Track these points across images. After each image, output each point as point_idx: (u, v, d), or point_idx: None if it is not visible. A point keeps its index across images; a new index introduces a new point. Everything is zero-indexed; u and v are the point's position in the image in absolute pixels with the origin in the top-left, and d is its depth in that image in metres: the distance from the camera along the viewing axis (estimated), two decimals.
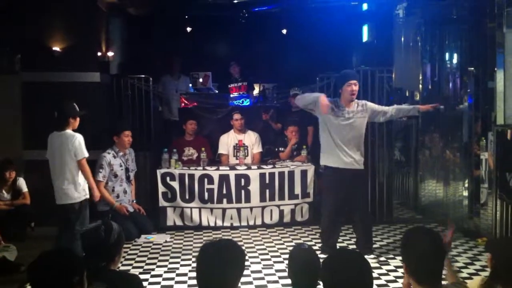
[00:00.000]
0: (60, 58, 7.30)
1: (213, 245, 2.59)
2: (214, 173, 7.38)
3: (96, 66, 7.53)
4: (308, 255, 3.24)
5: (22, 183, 7.00)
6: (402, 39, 8.06)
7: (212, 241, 2.64)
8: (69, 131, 5.63)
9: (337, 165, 5.88)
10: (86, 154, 5.68)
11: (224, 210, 7.39)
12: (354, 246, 6.40)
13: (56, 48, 7.28)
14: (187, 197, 7.34)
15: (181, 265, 5.84)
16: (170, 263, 5.95)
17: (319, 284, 3.02)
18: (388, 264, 5.74)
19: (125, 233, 6.91)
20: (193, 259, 5.94)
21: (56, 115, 5.70)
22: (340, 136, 5.85)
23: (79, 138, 5.62)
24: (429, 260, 2.61)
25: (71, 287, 2.44)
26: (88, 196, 5.77)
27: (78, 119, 5.71)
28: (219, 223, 7.38)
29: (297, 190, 7.46)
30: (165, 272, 5.64)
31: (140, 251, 6.43)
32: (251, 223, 7.42)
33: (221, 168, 7.49)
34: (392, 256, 6.00)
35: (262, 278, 5.35)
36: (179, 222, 7.34)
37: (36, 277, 2.44)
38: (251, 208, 7.41)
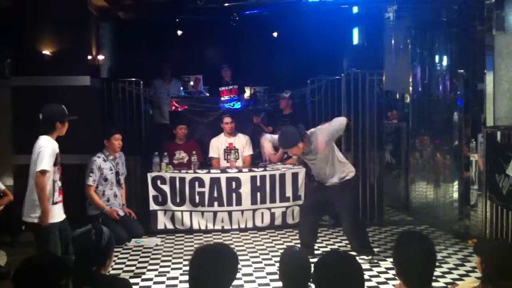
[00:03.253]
0: (49, 62, 7.26)
1: (207, 249, 2.60)
2: (205, 176, 7.37)
3: (87, 70, 7.50)
4: (299, 258, 3.24)
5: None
6: (392, 42, 8.11)
7: (206, 245, 2.65)
8: (44, 137, 4.76)
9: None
10: (46, 167, 4.63)
11: (215, 213, 7.38)
12: (346, 249, 6.42)
13: (46, 52, 7.24)
14: (178, 200, 7.32)
15: (172, 269, 5.82)
16: (161, 266, 5.93)
17: (310, 287, 3.02)
18: (379, 266, 5.75)
19: (115, 237, 6.84)
20: (184, 263, 5.93)
21: (41, 118, 4.83)
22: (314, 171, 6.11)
23: (48, 147, 4.68)
24: (421, 265, 2.63)
25: None
26: (37, 221, 4.68)
27: (66, 124, 4.88)
28: (210, 226, 7.37)
29: (288, 192, 7.46)
30: (155, 275, 5.61)
31: (131, 255, 6.40)
32: (242, 226, 7.41)
33: (212, 171, 7.48)
34: (383, 258, 6.01)
35: (253, 281, 5.35)
36: (170, 226, 7.32)
37: (21, 284, 2.41)
38: (242, 211, 7.41)
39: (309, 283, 3.10)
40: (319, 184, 6.15)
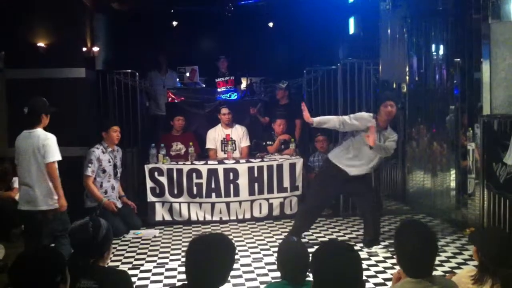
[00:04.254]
0: (44, 54, 7.23)
1: (202, 239, 2.58)
2: (203, 167, 7.36)
3: (82, 62, 7.48)
4: (297, 248, 3.25)
5: (15, 181, 6.85)
6: (389, 31, 8.07)
7: (201, 235, 2.64)
8: (39, 129, 5.11)
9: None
10: (58, 157, 5.11)
11: (213, 204, 7.38)
12: (344, 238, 6.44)
13: (41, 44, 7.21)
14: (175, 192, 7.32)
15: (171, 260, 5.82)
16: (159, 258, 5.93)
17: (308, 276, 3.03)
18: (377, 255, 5.77)
19: (113, 229, 6.86)
20: (183, 254, 5.93)
21: (27, 112, 5.13)
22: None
23: (52, 139, 5.08)
24: (421, 254, 2.64)
25: (54, 286, 2.42)
26: (57, 206, 5.16)
27: (48, 116, 5.17)
28: (208, 217, 7.37)
29: (286, 183, 7.47)
30: (154, 267, 5.62)
31: (129, 247, 6.40)
32: (240, 217, 7.42)
33: (209, 162, 7.48)
34: (381, 246, 6.02)
35: (252, 272, 5.36)
36: (167, 217, 7.32)
37: (18, 280, 2.40)
38: (240, 202, 7.41)
39: (307, 273, 3.11)
40: (331, 178, 5.96)
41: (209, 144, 7.96)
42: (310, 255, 2.59)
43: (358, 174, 5.89)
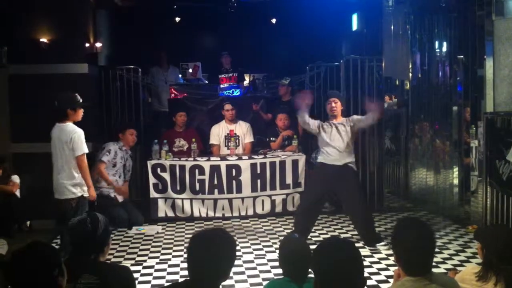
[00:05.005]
0: (47, 50, 7.21)
1: (203, 235, 2.58)
2: (205, 164, 7.36)
3: (84, 58, 7.46)
4: (298, 245, 3.24)
5: (15, 178, 6.85)
6: (392, 27, 8.04)
7: (202, 231, 2.63)
8: (70, 124, 5.39)
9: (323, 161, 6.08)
10: (85, 150, 5.42)
11: (215, 200, 7.38)
12: (347, 235, 6.44)
13: (43, 40, 7.19)
14: (178, 188, 7.32)
15: (173, 256, 5.83)
16: (162, 254, 5.94)
17: (310, 273, 3.02)
18: (380, 252, 5.76)
19: (116, 220, 6.91)
20: (185, 250, 5.92)
21: (55, 106, 5.44)
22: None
23: (79, 133, 5.36)
24: (419, 251, 2.62)
25: (53, 280, 2.42)
26: (86, 194, 5.46)
27: (79, 110, 5.43)
28: (211, 214, 7.37)
29: (289, 179, 7.46)
30: (157, 263, 5.62)
31: (132, 243, 6.41)
32: (243, 213, 7.42)
33: (212, 159, 7.47)
34: (383, 243, 6.00)
35: (254, 268, 5.36)
36: (170, 214, 7.32)
37: (15, 278, 2.40)
38: (242, 199, 7.41)
39: (309, 269, 3.10)
40: (320, 172, 6.11)
41: (212, 140, 7.96)
42: (312, 251, 2.59)
43: (344, 162, 5.94)
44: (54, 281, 2.43)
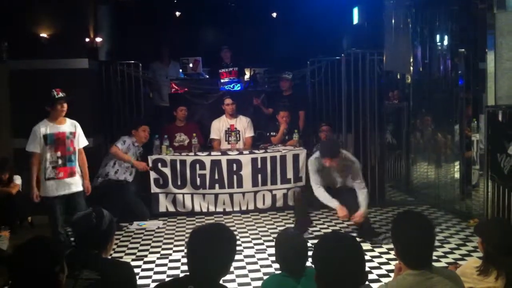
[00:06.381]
0: (47, 45, 7.20)
1: (203, 229, 2.57)
2: (206, 158, 7.35)
3: (85, 53, 7.45)
4: (295, 240, 3.22)
5: (17, 179, 6.85)
6: (393, 21, 8.03)
7: (201, 226, 2.62)
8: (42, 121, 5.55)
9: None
10: (28, 148, 5.50)
11: (216, 195, 7.37)
12: (347, 230, 6.44)
13: (44, 35, 7.18)
14: (179, 183, 7.32)
15: (174, 251, 5.84)
16: (163, 249, 5.95)
17: (307, 266, 3.02)
18: (381, 247, 5.76)
19: (134, 208, 6.85)
20: (186, 245, 5.93)
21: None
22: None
23: (32, 131, 5.49)
24: (419, 245, 2.61)
25: (54, 276, 2.41)
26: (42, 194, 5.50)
27: (57, 106, 5.41)
28: (212, 208, 7.37)
29: (289, 174, 7.45)
30: (158, 258, 5.63)
31: (133, 238, 6.42)
32: (244, 208, 7.42)
33: (212, 153, 7.46)
34: (383, 237, 6.00)
35: (255, 263, 5.36)
36: (171, 208, 7.33)
37: (17, 272, 2.39)
38: (243, 193, 7.40)
39: (306, 264, 3.10)
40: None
41: (213, 135, 7.95)
42: (311, 246, 2.58)
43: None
44: (55, 277, 2.43)
